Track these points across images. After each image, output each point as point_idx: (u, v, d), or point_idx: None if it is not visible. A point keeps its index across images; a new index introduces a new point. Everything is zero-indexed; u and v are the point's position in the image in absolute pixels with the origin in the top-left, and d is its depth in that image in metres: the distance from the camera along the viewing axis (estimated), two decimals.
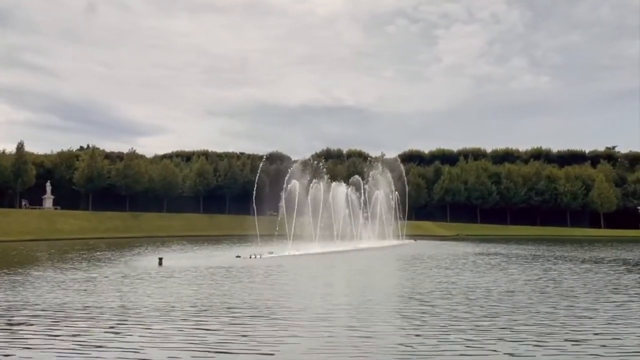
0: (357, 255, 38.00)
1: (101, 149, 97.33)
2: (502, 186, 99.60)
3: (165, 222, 78.74)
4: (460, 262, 30.98)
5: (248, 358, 10.05)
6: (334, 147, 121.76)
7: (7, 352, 10.34)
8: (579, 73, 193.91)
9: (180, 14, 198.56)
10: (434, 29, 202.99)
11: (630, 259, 34.25)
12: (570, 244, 54.91)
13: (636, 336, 11.75)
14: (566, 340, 11.28)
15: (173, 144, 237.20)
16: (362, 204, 56.40)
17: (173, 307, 15.13)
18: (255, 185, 52.07)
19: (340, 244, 46.55)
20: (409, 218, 72.07)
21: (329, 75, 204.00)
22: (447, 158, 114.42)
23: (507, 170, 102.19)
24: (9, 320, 13.45)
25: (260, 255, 33.83)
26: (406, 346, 10.77)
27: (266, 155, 64.97)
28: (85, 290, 18.50)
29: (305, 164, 54.13)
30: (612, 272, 25.45)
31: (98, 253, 37.54)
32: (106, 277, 22.49)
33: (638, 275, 24.27)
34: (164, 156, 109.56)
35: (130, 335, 11.69)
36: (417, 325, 12.84)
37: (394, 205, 62.01)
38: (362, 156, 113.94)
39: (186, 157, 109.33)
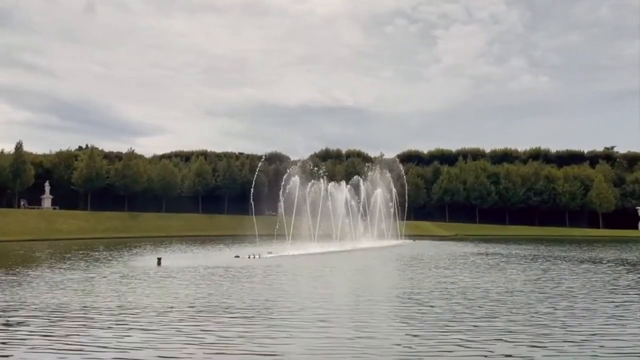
0: (356, 255, 37.97)
1: (100, 149, 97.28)
2: (501, 186, 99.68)
3: (164, 222, 78.66)
4: (459, 262, 30.98)
5: (247, 358, 10.03)
6: (333, 147, 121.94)
7: (5, 352, 10.31)
8: (578, 73, 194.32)
9: (179, 14, 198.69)
10: (433, 29, 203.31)
11: (629, 259, 34.26)
12: (569, 244, 54.93)
13: (635, 337, 11.74)
14: (565, 341, 11.27)
15: (172, 144, 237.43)
16: (361, 204, 56.38)
17: (171, 307, 15.10)
18: (253, 185, 52.09)
19: (339, 244, 46.53)
20: (408, 218, 72.09)
21: (328, 75, 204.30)
22: (446, 158, 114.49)
23: (505, 171, 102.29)
24: (7, 320, 13.42)
25: (259, 255, 33.80)
26: (405, 347, 10.76)
27: (265, 156, 65.02)
28: (83, 290, 18.46)
29: (303, 165, 54.09)
30: (611, 272, 25.46)
31: (96, 253, 37.49)
32: (104, 277, 22.45)
33: (637, 276, 24.26)
34: (163, 156, 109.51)
35: (129, 335, 11.66)
36: (416, 325, 12.83)
37: (392, 206, 62.02)
38: (361, 156, 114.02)
39: (185, 157, 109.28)
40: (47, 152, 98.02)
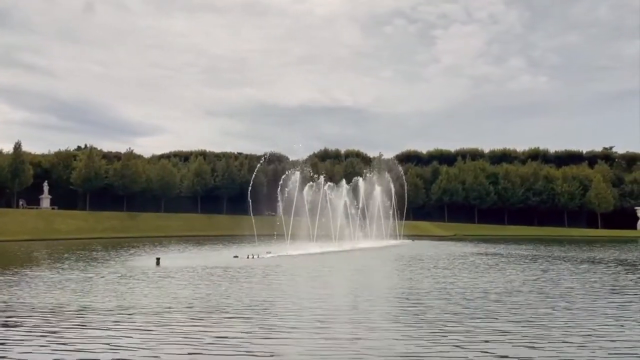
0: (355, 256, 37.96)
1: (99, 148, 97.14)
2: (500, 186, 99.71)
3: (162, 222, 78.59)
4: (458, 263, 30.98)
5: (245, 359, 10.01)
6: (332, 147, 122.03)
7: (4, 352, 10.28)
8: (577, 73, 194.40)
9: (178, 14, 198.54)
10: (432, 29, 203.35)
11: (628, 260, 34.27)
12: (568, 244, 54.94)
13: (634, 337, 11.73)
14: (564, 342, 11.25)
15: (171, 144, 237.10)
16: (360, 205, 56.37)
17: (170, 307, 15.07)
18: (251, 184, 52.09)
19: (338, 244, 46.52)
20: (407, 218, 72.10)
21: (327, 75, 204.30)
22: (444, 158, 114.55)
23: (504, 171, 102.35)
24: (5, 321, 13.39)
25: (258, 255, 33.79)
26: (403, 347, 10.73)
27: (265, 158, 65.03)
28: (81, 290, 18.42)
29: (302, 168, 54.07)
30: (611, 273, 25.46)
31: (95, 253, 37.44)
32: (103, 277, 22.42)
33: (636, 276, 24.27)
34: (162, 156, 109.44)
35: (127, 336, 11.63)
36: (415, 325, 12.81)
37: (391, 206, 62.01)
38: (360, 156, 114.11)
39: (184, 157, 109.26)
40: (45, 152, 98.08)
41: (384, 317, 14.02)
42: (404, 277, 23.61)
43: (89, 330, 12.11)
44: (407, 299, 17.00)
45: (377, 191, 59.73)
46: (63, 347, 10.69)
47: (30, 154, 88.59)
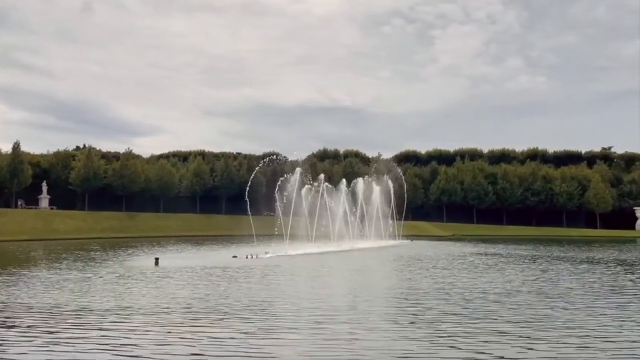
0: (354, 256, 37.94)
1: (97, 149, 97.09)
2: (498, 186, 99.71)
3: (161, 222, 78.53)
4: (458, 263, 30.97)
5: (244, 359, 9.98)
6: (330, 147, 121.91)
7: (1, 353, 10.24)
8: (575, 73, 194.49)
9: (177, 14, 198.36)
10: (430, 29, 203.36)
11: (627, 260, 34.28)
12: (568, 244, 54.96)
13: (633, 337, 11.72)
14: (563, 342, 11.24)
15: (170, 144, 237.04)
16: (359, 206, 56.36)
17: (168, 307, 15.04)
18: (249, 184, 52.04)
19: (336, 244, 46.51)
20: (406, 218, 72.09)
21: (325, 75, 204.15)
22: (443, 158, 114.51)
23: (503, 171, 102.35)
24: (3, 321, 13.34)
25: (257, 255, 33.76)
26: (402, 347, 10.72)
27: (264, 162, 65.01)
28: (80, 290, 18.38)
29: (301, 167, 54.02)
30: (610, 273, 25.45)
31: (94, 253, 37.39)
32: (101, 277, 22.38)
33: (635, 276, 24.27)
34: (161, 156, 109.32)
35: (126, 337, 11.59)
36: (414, 326, 12.80)
37: (390, 206, 62.01)
38: (359, 156, 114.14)
39: (183, 157, 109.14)
40: (44, 152, 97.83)
41: (383, 317, 14.01)
42: (402, 277, 23.59)
43: (87, 331, 12.07)
44: (406, 299, 16.98)
45: (376, 192, 59.72)
46: (61, 347, 10.66)
47: (28, 154, 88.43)
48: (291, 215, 46.16)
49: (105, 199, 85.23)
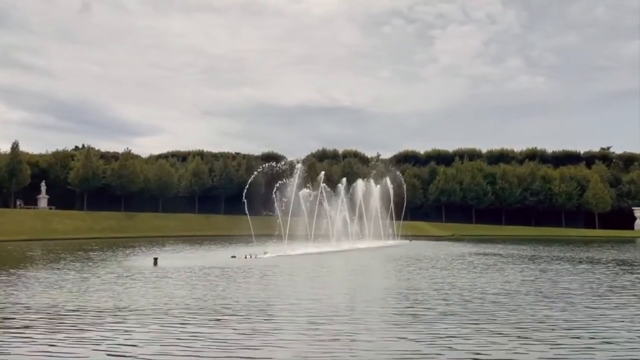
0: (353, 256, 37.92)
1: (96, 149, 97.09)
2: (497, 186, 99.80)
3: (160, 222, 78.46)
4: (457, 263, 30.95)
5: (243, 359, 9.97)
6: (329, 147, 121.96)
7: (0, 354, 10.23)
8: (575, 74, 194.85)
9: (176, 14, 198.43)
10: (430, 29, 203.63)
11: (627, 260, 34.28)
12: (566, 244, 54.97)
13: (632, 337, 11.70)
14: (562, 342, 11.22)
15: (169, 144, 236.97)
16: (358, 207, 56.31)
17: (167, 307, 15.00)
18: (248, 184, 51.99)
19: (335, 244, 46.48)
20: (405, 218, 72.06)
21: (325, 75, 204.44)
22: (442, 158, 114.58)
23: (502, 171, 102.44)
24: (1, 321, 13.30)
25: (256, 255, 33.72)
26: (401, 347, 10.70)
27: (264, 168, 65.11)
28: (78, 290, 18.34)
29: (301, 168, 53.93)
30: (609, 273, 25.45)
31: (92, 253, 37.33)
32: (99, 277, 22.33)
33: (635, 277, 24.26)
34: (160, 156, 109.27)
35: (123, 336, 11.55)
36: (413, 326, 12.77)
37: (389, 206, 61.99)
38: (358, 156, 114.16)
39: (182, 157, 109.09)
40: (43, 152, 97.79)
41: (382, 317, 13.98)
42: (401, 277, 23.57)
43: (85, 331, 12.04)
44: (405, 299, 16.96)
45: (375, 193, 59.68)
46: (59, 347, 10.62)
47: (27, 153, 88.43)
48: (290, 215, 46.10)
49: (104, 199, 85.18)
